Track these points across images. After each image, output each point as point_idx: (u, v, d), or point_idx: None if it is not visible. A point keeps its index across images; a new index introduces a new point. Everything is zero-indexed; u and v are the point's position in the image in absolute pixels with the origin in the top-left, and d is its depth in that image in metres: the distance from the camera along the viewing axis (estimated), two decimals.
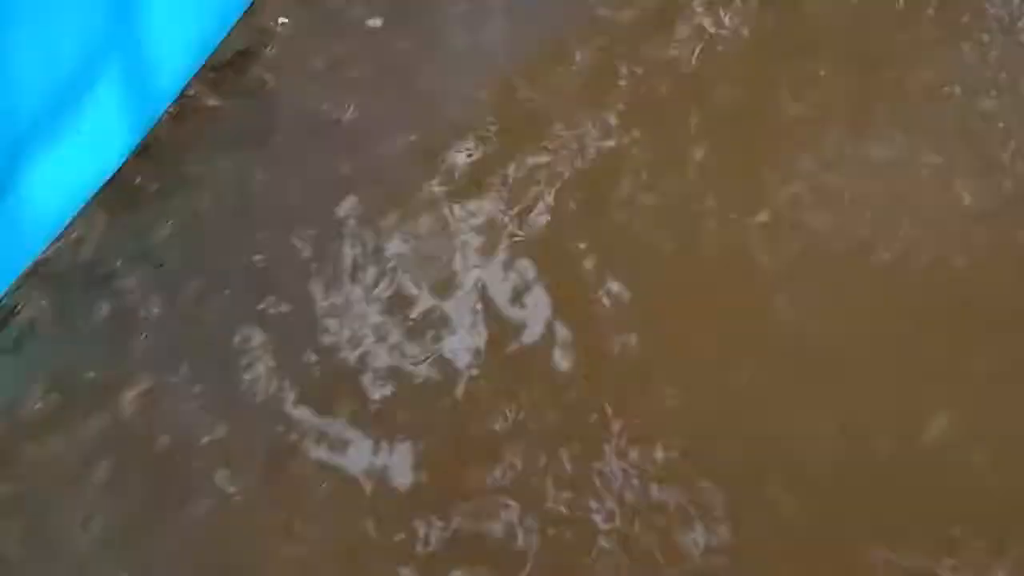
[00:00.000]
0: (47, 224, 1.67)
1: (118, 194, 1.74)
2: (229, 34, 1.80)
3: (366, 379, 1.63)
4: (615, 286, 1.70)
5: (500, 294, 1.70)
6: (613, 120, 1.84)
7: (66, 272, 1.70)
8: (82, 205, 1.70)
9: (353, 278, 1.71)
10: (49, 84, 1.55)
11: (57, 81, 1.55)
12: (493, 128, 1.83)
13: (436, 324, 1.68)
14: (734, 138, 1.84)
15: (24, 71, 1.49)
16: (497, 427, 1.59)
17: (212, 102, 1.82)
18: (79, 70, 1.57)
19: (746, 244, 1.73)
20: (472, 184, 1.78)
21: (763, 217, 1.75)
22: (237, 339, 1.65)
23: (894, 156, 1.81)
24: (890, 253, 1.73)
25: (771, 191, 1.78)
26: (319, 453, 1.57)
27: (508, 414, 1.60)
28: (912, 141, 1.82)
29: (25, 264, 1.67)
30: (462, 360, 1.64)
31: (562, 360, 1.64)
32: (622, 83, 1.88)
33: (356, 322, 1.68)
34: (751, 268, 1.72)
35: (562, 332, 1.66)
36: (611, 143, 1.82)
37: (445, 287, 1.71)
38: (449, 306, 1.69)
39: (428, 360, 1.65)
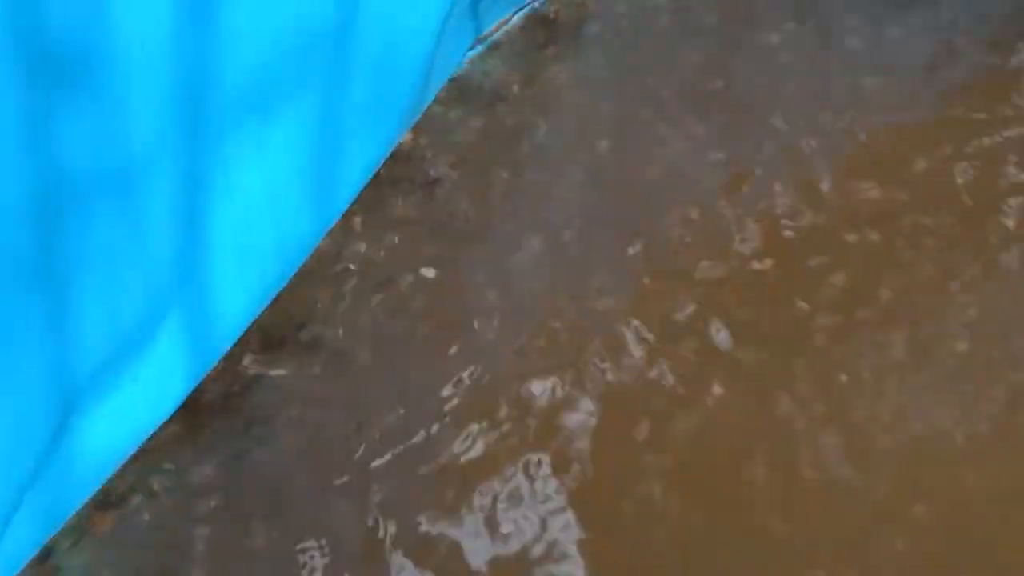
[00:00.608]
0: (93, 477, 1.65)
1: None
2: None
3: None
4: None
5: None
6: None
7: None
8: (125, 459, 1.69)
9: None
10: (109, 338, 1.55)
11: (117, 335, 1.55)
12: None
13: None
14: None
15: (88, 326, 1.49)
16: None
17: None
18: (139, 324, 1.58)
19: None
20: None
21: None
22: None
23: None
24: None
25: None
26: None
27: None
28: None
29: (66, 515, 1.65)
30: None
31: None
32: None
33: None
34: None
35: None
36: None
37: None
38: None
39: None
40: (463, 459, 1.75)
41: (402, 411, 1.80)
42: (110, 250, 1.46)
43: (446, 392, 1.82)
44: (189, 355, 1.67)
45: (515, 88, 2.21)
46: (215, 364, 1.73)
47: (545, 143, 2.15)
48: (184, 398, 1.69)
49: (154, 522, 1.71)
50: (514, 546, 1.67)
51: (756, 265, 1.98)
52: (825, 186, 2.08)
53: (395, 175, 2.06)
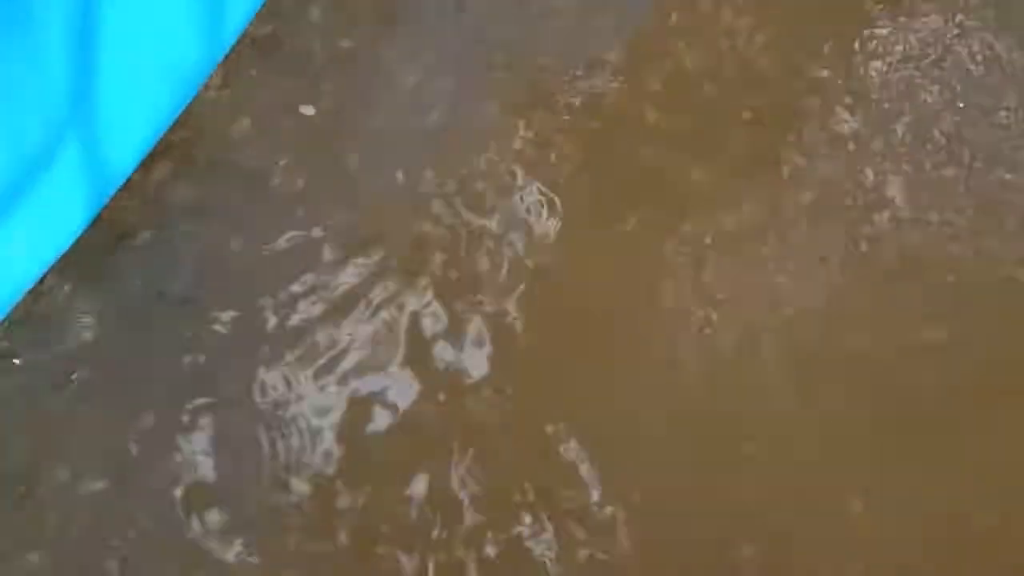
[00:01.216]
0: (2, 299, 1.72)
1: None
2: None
3: None
4: None
5: None
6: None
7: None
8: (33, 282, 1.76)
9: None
10: (10, 163, 1.61)
11: (18, 160, 1.62)
12: None
13: None
14: None
15: None
16: None
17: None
18: (39, 149, 1.64)
19: None
20: None
21: None
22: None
23: None
24: None
25: None
26: None
27: None
28: None
29: None
30: None
31: None
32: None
33: None
34: None
35: None
36: None
37: None
38: None
39: None
40: None
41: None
42: (8, 77, 1.52)
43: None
44: (90, 177, 1.74)
45: None
46: (117, 188, 1.80)
47: None
48: (88, 221, 1.76)
49: None
50: None
51: None
52: None
53: None
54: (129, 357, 1.78)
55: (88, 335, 1.79)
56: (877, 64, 2.12)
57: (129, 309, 1.81)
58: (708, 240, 1.92)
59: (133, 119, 1.77)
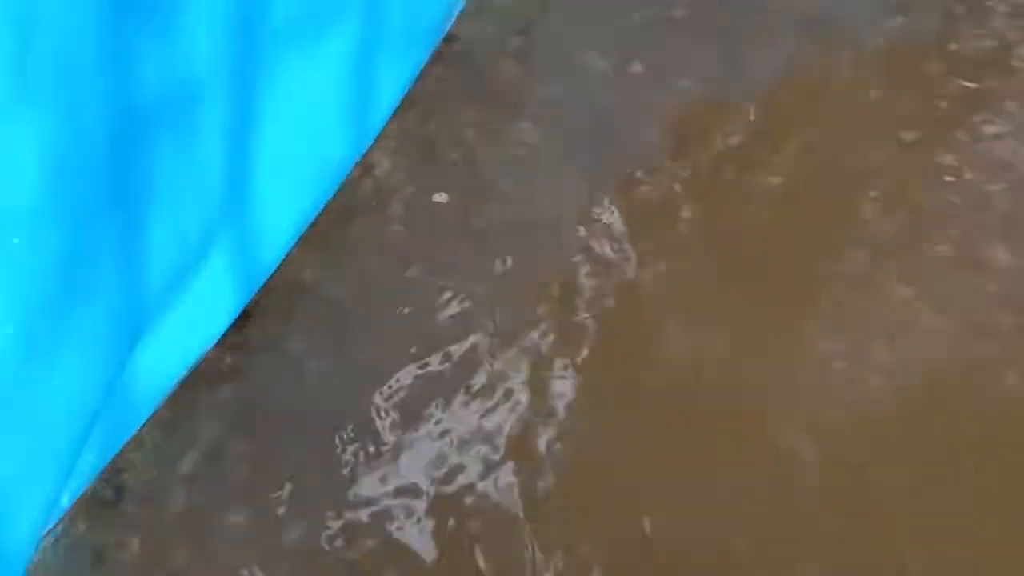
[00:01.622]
0: (151, 397, 1.71)
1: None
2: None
3: None
4: None
5: None
6: None
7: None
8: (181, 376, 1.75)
9: None
10: (169, 262, 1.60)
11: (176, 259, 1.61)
12: None
13: None
14: None
15: (154, 249, 1.55)
16: None
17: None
18: (194, 248, 1.63)
19: None
20: None
21: None
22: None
23: None
24: None
25: None
26: None
27: None
28: None
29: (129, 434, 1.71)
30: None
31: None
32: None
33: None
34: None
35: None
36: None
37: None
38: None
39: None
40: None
41: None
42: (172, 173, 1.52)
43: None
44: (239, 272, 1.73)
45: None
46: (264, 281, 1.79)
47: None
48: (236, 314, 1.75)
49: None
50: None
51: None
52: None
53: None
54: None
55: None
56: None
57: None
58: None
59: (282, 215, 1.77)
